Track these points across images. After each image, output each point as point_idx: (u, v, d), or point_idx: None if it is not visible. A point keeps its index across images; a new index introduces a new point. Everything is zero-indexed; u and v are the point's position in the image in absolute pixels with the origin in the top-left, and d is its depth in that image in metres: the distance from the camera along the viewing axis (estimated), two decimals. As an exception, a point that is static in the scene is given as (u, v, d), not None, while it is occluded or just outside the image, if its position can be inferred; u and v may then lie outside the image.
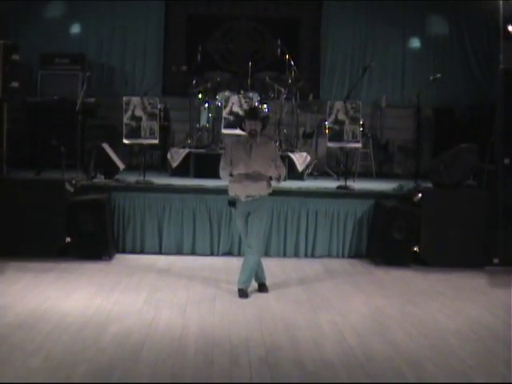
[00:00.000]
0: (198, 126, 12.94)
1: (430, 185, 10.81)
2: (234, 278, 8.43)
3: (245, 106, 11.87)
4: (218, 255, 10.45)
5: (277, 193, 10.34)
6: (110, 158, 11.30)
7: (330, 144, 11.65)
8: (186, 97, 13.38)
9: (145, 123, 11.03)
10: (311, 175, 12.80)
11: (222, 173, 8.33)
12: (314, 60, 15.39)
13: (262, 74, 13.54)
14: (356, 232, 10.66)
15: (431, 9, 15.09)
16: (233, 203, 8.25)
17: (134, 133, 11.03)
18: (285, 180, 10.57)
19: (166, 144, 13.47)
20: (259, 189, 8.16)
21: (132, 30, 14.99)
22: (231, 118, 11.95)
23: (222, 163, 8.30)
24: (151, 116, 11.06)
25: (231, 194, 8.28)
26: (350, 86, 13.97)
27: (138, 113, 11.01)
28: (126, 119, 11.02)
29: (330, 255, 10.63)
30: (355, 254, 10.65)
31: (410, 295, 8.48)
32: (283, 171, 8.41)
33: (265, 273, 8.57)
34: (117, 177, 11.21)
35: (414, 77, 15.11)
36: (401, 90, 15.31)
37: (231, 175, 8.18)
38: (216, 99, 12.64)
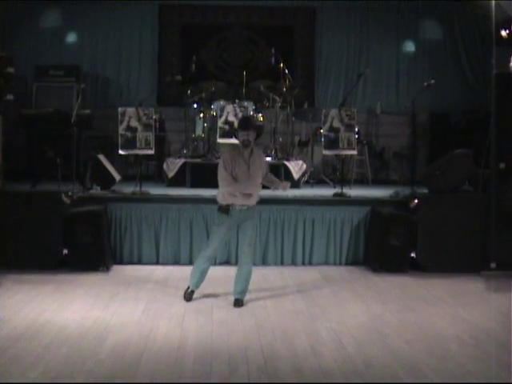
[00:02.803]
0: (193, 135, 12.96)
1: (426, 191, 10.82)
2: (231, 288, 8.40)
3: (240, 115, 11.90)
4: (215, 265, 10.43)
5: (273, 201, 10.42)
6: (106, 169, 11.31)
7: (326, 152, 11.66)
8: (181, 107, 13.40)
9: (140, 134, 11.02)
10: (307, 183, 12.81)
11: (225, 189, 8.10)
12: (309, 68, 15.43)
13: (256, 83, 13.54)
14: (353, 239, 10.66)
15: (425, 14, 15.14)
16: (226, 210, 8.19)
17: (130, 143, 11.01)
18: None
19: (161, 154, 13.45)
20: (254, 199, 8.21)
21: (126, 41, 15.02)
22: (226, 127, 11.97)
23: (224, 178, 8.03)
24: (146, 126, 11.05)
25: (225, 202, 8.16)
26: (345, 93, 14.02)
27: (134, 123, 11.01)
28: (121, 130, 11.01)
29: (327, 263, 10.62)
30: (352, 261, 10.65)
31: (408, 301, 8.49)
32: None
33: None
34: (113, 188, 11.21)
35: (409, 83, 15.15)
36: (395, 96, 15.34)
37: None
38: (211, 109, 12.66)
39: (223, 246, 10.25)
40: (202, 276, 8.43)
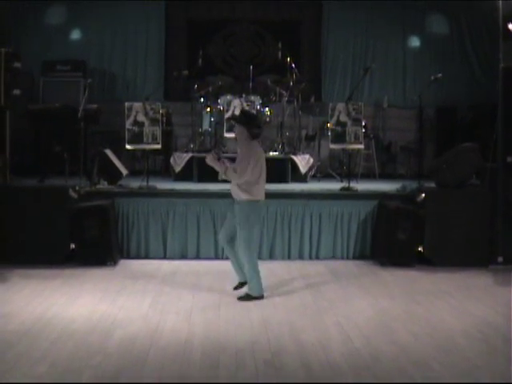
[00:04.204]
0: (200, 130, 12.96)
1: (433, 185, 10.81)
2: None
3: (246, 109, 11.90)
4: (222, 259, 10.42)
5: (280, 195, 10.41)
6: (113, 164, 11.32)
7: (333, 146, 11.67)
8: (187, 101, 13.42)
9: (147, 128, 11.04)
10: (314, 177, 12.80)
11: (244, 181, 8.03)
12: (316, 62, 15.40)
13: (263, 78, 13.57)
14: (360, 233, 10.66)
15: (431, 8, 15.09)
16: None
17: (137, 138, 11.03)
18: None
19: (168, 149, 13.45)
20: (233, 193, 8.23)
21: (133, 36, 15.01)
22: (233, 121, 11.96)
23: (252, 175, 8.01)
24: (153, 121, 11.07)
25: (258, 198, 8.07)
26: (352, 87, 13.99)
27: (140, 118, 11.03)
28: (128, 125, 11.03)
29: (334, 257, 10.62)
30: (360, 255, 10.65)
31: (415, 295, 8.48)
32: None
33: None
34: (120, 182, 11.23)
35: (415, 77, 15.11)
36: (402, 90, 15.31)
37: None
38: (218, 103, 12.66)
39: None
40: (233, 265, 8.43)
